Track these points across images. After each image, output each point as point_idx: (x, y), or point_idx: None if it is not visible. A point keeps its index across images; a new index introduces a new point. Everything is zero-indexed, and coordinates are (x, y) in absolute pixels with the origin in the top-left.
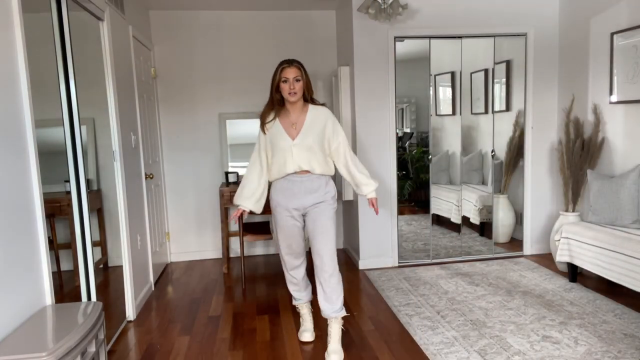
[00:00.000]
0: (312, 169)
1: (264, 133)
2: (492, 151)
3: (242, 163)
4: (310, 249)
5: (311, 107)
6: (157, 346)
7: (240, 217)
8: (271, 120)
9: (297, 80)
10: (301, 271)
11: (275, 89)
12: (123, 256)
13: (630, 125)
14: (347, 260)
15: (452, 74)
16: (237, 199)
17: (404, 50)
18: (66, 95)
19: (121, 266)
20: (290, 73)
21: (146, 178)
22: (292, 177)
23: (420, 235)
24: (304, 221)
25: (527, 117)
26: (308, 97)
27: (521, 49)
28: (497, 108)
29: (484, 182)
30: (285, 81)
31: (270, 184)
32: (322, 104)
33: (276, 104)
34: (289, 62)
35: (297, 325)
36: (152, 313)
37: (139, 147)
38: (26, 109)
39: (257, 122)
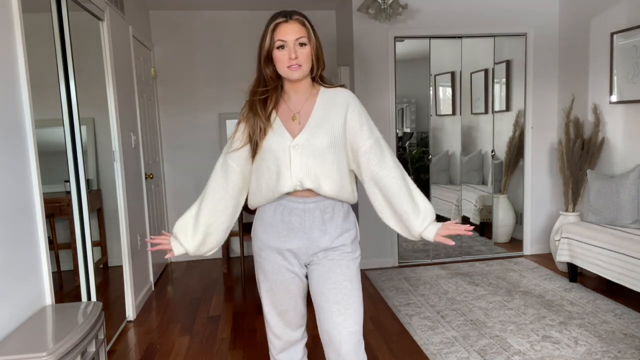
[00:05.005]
0: (319, 187)
1: (248, 125)
2: (492, 151)
3: None
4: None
5: (323, 90)
6: (157, 346)
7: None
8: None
9: (302, 45)
10: (298, 352)
11: (265, 59)
12: (123, 256)
13: (630, 125)
14: None
15: (452, 74)
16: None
17: (404, 50)
18: (66, 95)
19: (121, 266)
20: (290, 32)
21: (146, 178)
22: (289, 201)
23: None
24: (307, 277)
25: (527, 117)
26: (317, 74)
27: (521, 49)
28: (497, 108)
29: (484, 182)
30: (282, 47)
31: (243, 210)
32: (341, 86)
33: (269, 83)
34: (287, 15)
35: None
36: (152, 313)
37: (139, 147)
38: (26, 109)
39: None
